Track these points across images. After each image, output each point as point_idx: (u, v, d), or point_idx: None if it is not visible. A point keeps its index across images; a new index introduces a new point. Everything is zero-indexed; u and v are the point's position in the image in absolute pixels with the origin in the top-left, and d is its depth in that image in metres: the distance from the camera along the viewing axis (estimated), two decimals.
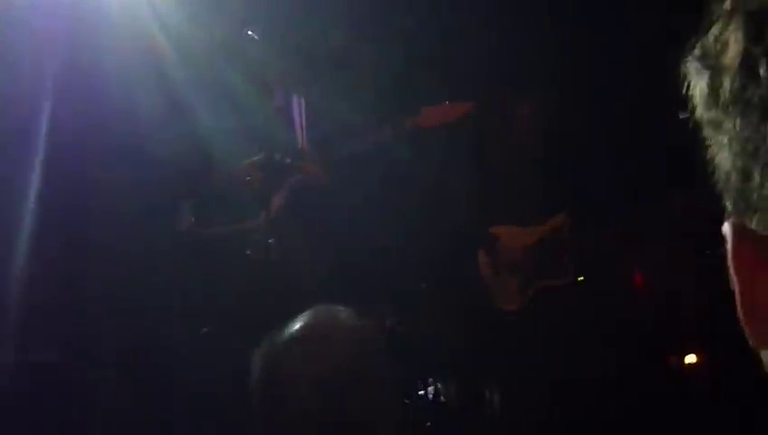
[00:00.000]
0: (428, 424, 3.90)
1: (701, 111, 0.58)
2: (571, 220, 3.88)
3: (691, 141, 0.61)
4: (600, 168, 3.61)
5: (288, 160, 3.25)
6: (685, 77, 0.59)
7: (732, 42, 0.56)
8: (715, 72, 0.57)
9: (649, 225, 3.80)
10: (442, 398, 3.97)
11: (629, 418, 3.63)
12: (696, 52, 0.58)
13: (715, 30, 0.57)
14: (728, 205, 0.59)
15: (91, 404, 1.49)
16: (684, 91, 0.59)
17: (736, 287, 0.59)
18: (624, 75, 4.02)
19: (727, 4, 0.57)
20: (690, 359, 4.04)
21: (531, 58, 3.99)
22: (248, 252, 3.16)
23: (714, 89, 0.57)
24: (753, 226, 0.57)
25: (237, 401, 1.47)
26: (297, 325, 1.40)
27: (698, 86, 0.58)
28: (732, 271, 0.59)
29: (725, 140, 0.57)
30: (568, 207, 3.88)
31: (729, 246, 0.59)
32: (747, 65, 0.54)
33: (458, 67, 4.09)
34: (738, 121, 0.55)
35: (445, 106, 3.38)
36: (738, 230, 0.58)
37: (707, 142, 0.59)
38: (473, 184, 3.91)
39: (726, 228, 0.59)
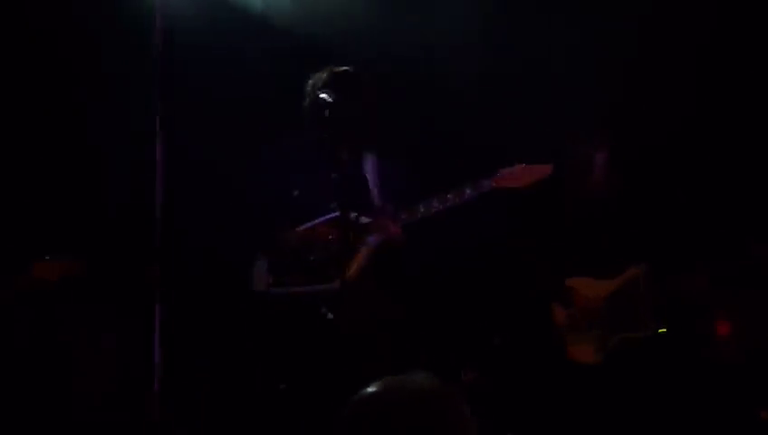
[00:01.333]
0: None
1: None
2: (650, 270, 3.78)
3: None
4: (682, 216, 3.50)
5: (365, 219, 3.20)
6: None
7: None
8: None
9: (734, 274, 3.68)
10: None
11: None
12: None
13: None
14: None
15: None
16: None
17: None
18: (710, 122, 3.94)
19: None
20: None
21: (608, 104, 3.94)
22: (326, 313, 3.12)
23: None
24: None
25: None
26: (373, 388, 1.44)
27: None
28: None
29: None
30: (647, 257, 3.79)
31: None
32: None
33: (533, 117, 4.06)
34: None
35: (523, 168, 3.23)
36: None
37: None
38: (548, 236, 3.84)
39: None
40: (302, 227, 3.22)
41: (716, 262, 3.65)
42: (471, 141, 4.81)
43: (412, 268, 3.53)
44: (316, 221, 3.22)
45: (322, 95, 2.99)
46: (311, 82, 3.21)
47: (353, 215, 3.16)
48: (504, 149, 3.60)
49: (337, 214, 3.15)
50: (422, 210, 3.19)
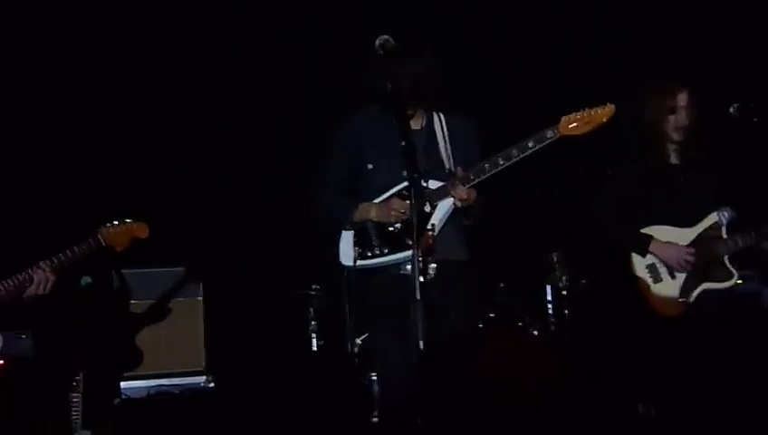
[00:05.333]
0: None
1: None
2: (732, 216, 3.63)
3: None
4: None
5: (436, 183, 3.23)
6: None
7: None
8: None
9: None
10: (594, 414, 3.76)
11: None
12: None
13: None
14: None
15: None
16: None
17: None
18: None
19: None
20: None
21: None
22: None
23: None
24: None
25: None
26: None
27: None
28: None
29: None
30: (729, 203, 3.64)
31: None
32: None
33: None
34: None
35: (584, 113, 3.19)
36: None
37: None
38: (628, 182, 3.69)
39: None
40: (379, 199, 3.31)
41: None
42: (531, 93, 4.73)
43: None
44: (391, 191, 3.29)
45: (384, 38, 2.94)
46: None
47: (423, 181, 3.17)
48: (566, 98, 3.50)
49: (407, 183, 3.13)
50: (488, 168, 3.20)
